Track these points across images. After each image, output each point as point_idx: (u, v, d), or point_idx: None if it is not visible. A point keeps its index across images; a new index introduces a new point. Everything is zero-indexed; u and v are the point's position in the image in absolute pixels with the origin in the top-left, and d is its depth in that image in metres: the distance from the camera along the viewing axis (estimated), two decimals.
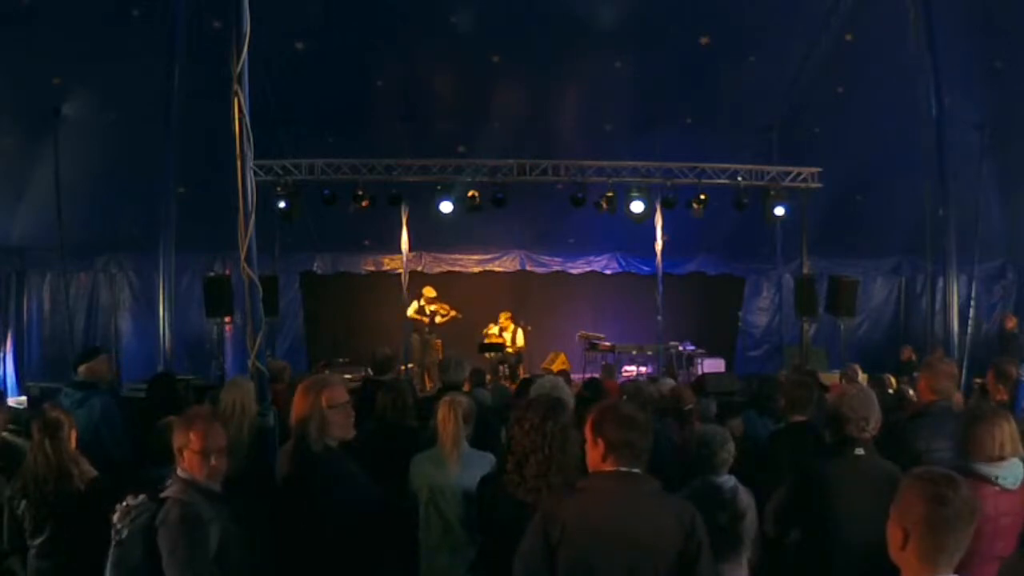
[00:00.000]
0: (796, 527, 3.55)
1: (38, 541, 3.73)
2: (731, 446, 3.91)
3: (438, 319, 13.61)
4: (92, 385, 5.34)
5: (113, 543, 2.96)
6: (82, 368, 5.43)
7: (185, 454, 3.05)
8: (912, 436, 4.04)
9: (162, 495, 2.98)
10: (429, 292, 13.69)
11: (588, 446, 2.78)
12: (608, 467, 2.72)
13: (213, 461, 3.04)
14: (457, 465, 3.83)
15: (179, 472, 3.06)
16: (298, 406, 3.35)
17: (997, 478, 3.15)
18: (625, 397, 5.58)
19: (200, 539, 2.89)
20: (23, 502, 3.72)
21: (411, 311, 13.46)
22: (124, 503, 2.99)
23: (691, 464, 3.92)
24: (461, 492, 3.76)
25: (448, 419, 3.89)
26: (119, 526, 2.95)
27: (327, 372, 12.30)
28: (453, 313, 13.70)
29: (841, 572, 3.29)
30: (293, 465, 3.32)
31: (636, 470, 2.72)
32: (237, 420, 4.09)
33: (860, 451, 3.40)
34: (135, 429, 5.12)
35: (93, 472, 3.84)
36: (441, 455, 3.90)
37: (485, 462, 3.83)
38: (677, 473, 4.00)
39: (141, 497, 2.97)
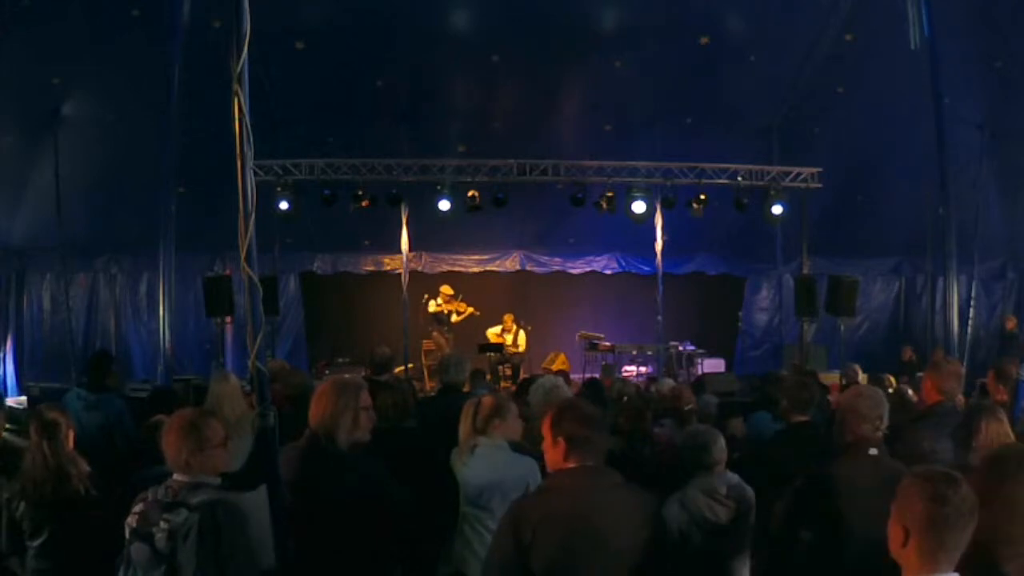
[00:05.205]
0: (806, 528, 3.51)
1: (37, 542, 3.72)
2: (722, 443, 3.90)
3: (455, 317, 13.70)
4: (107, 388, 5.39)
5: (156, 558, 2.85)
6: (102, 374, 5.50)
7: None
8: (918, 437, 4.01)
9: (195, 501, 2.90)
10: (447, 290, 13.77)
11: (546, 446, 2.78)
12: (571, 464, 2.72)
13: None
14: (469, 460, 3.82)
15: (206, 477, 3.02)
16: (326, 405, 3.29)
17: None
18: (626, 398, 5.58)
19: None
20: (22, 503, 3.71)
21: (432, 308, 13.53)
22: (161, 522, 2.85)
23: (686, 464, 3.92)
24: (501, 492, 3.73)
25: (464, 419, 3.90)
26: (162, 546, 2.83)
27: (327, 372, 12.36)
28: (470, 310, 13.79)
29: (856, 573, 3.25)
30: (318, 463, 3.24)
31: (599, 465, 2.77)
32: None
33: (874, 451, 3.32)
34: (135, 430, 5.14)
35: (91, 472, 3.83)
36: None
37: (520, 463, 3.82)
38: (676, 474, 3.99)
39: (183, 512, 2.86)
